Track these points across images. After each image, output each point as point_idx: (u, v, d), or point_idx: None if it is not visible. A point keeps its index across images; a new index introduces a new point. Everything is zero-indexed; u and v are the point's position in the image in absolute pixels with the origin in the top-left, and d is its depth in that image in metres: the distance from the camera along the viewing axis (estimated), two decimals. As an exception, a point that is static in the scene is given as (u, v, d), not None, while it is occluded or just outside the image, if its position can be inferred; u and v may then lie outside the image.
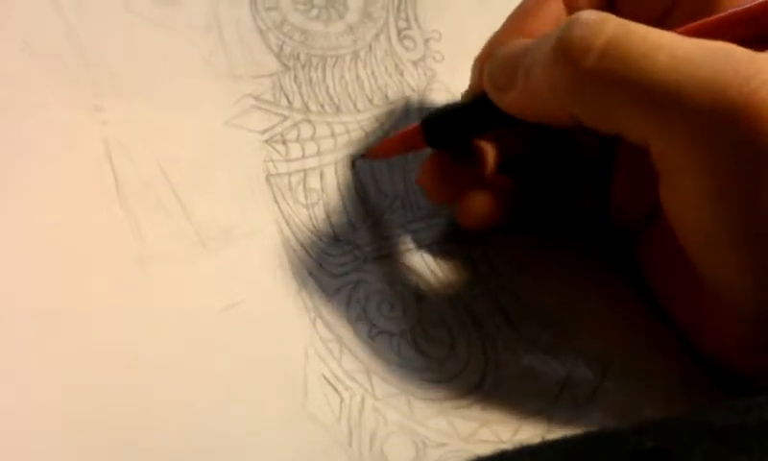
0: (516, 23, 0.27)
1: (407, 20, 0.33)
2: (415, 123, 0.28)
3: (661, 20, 0.26)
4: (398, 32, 0.33)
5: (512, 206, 0.28)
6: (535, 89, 0.24)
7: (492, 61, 0.25)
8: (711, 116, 0.21)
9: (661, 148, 0.22)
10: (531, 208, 0.29)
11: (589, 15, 0.23)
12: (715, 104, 0.21)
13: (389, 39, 0.32)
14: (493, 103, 0.25)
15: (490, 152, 0.28)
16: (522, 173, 0.29)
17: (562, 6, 0.27)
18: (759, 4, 0.22)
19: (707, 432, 0.17)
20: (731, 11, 0.23)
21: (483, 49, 0.29)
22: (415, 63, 0.32)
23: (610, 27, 0.22)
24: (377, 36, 0.32)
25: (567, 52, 0.22)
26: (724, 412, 0.18)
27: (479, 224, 0.28)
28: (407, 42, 0.33)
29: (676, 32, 0.22)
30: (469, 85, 0.29)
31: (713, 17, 0.23)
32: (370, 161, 0.30)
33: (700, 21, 0.23)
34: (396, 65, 0.32)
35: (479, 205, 0.28)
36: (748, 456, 0.16)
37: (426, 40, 0.33)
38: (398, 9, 0.33)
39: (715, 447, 0.16)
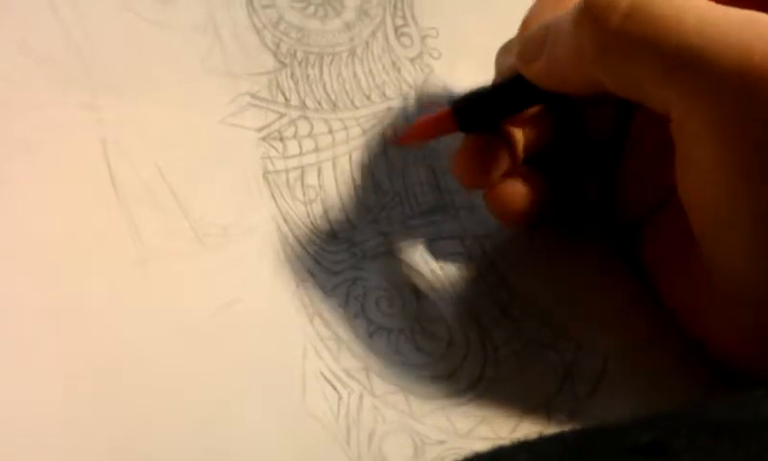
0: (546, 4, 0.27)
1: (404, 17, 0.33)
2: (444, 108, 0.28)
3: None
4: (395, 29, 0.33)
5: (544, 200, 0.28)
6: (560, 55, 0.24)
7: (524, 37, 0.26)
8: (736, 80, 0.21)
9: (682, 114, 0.22)
10: (559, 204, 0.29)
11: None
12: (740, 68, 0.21)
13: (386, 37, 0.32)
14: (521, 74, 0.26)
15: (519, 139, 0.28)
16: (547, 168, 0.29)
17: None
18: None
19: (703, 427, 0.17)
20: None
21: (510, 40, 0.29)
22: (412, 60, 0.32)
23: None
24: (374, 33, 0.32)
25: (592, 12, 0.23)
26: (721, 407, 0.18)
27: (513, 215, 0.28)
28: (404, 39, 0.32)
29: None
30: (496, 70, 0.29)
31: None
32: (368, 158, 0.30)
33: None
34: (394, 62, 0.32)
35: (516, 194, 0.27)
36: (745, 450, 0.16)
37: (423, 37, 0.33)
38: (395, 6, 0.33)
39: (712, 441, 0.16)
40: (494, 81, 0.29)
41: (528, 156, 0.28)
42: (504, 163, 0.28)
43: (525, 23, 0.28)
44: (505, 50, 0.29)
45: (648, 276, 0.28)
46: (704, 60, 0.21)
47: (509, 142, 0.28)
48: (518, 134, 0.28)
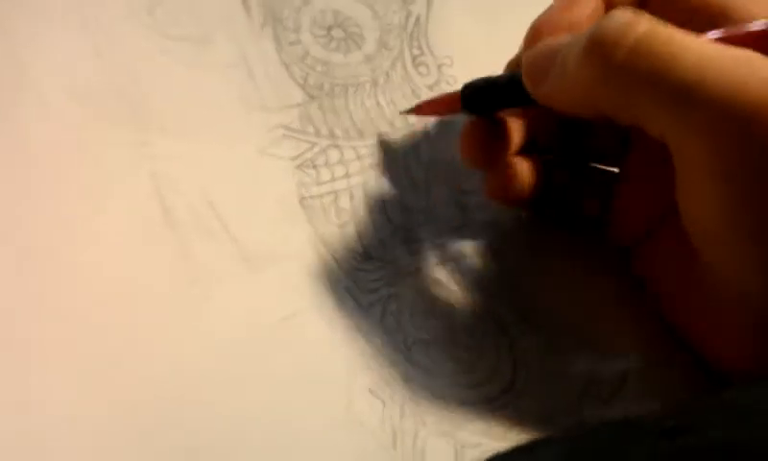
0: (555, 13, 0.29)
1: (420, 48, 0.35)
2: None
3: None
4: (413, 59, 0.34)
5: (542, 183, 0.30)
6: (566, 81, 0.25)
7: (531, 54, 0.27)
8: (730, 113, 0.22)
9: (680, 142, 0.24)
10: (552, 194, 0.31)
11: (624, 13, 0.24)
12: (734, 102, 0.22)
13: (404, 67, 0.34)
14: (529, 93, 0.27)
15: (517, 130, 0.30)
16: (545, 157, 0.31)
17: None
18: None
19: (724, 408, 0.18)
20: (755, 29, 0.25)
21: (526, 35, 0.30)
22: (430, 88, 0.34)
23: (642, 25, 0.24)
24: (394, 63, 0.34)
25: (600, 46, 0.24)
26: (738, 393, 0.20)
27: (517, 192, 0.30)
28: (421, 69, 0.34)
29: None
30: (508, 63, 0.31)
31: (739, 32, 0.25)
32: (394, 181, 0.31)
33: (726, 34, 0.25)
34: (413, 90, 0.34)
35: (515, 175, 0.30)
36: (764, 430, 0.17)
37: (439, 66, 0.35)
38: (411, 37, 0.35)
39: (734, 419, 0.17)
40: (508, 65, 0.31)
41: (528, 145, 0.30)
42: (506, 148, 0.30)
43: (532, 30, 0.29)
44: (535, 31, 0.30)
45: (647, 290, 0.30)
46: (700, 93, 0.23)
47: (512, 129, 0.30)
48: (517, 126, 0.30)
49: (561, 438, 0.21)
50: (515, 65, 0.30)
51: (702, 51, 0.23)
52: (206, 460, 0.25)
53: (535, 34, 0.28)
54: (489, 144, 0.30)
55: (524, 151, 0.31)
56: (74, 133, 0.28)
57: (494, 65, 0.32)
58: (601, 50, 0.24)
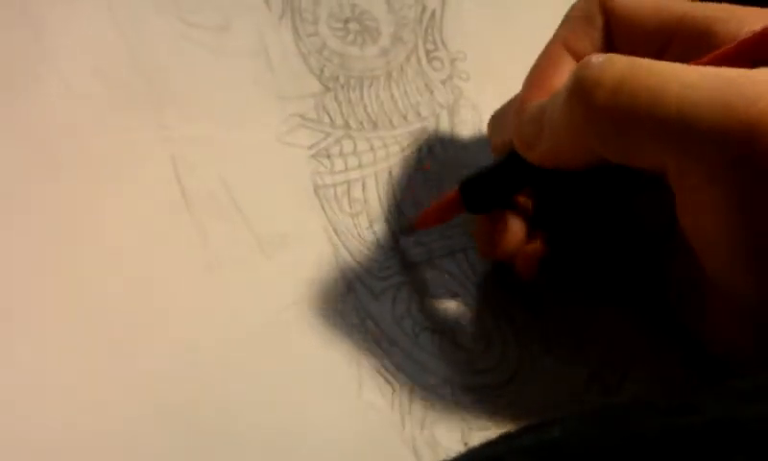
0: (533, 83, 0.29)
1: (434, 43, 0.36)
2: (451, 191, 0.30)
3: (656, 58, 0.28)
4: (427, 53, 0.35)
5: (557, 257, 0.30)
6: (555, 133, 0.26)
7: (520, 123, 0.27)
8: (722, 138, 0.22)
9: (677, 170, 0.24)
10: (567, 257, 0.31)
11: (597, 56, 0.24)
12: (725, 128, 0.22)
13: (419, 61, 0.35)
14: (525, 160, 0.27)
15: (519, 222, 0.30)
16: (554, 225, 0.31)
17: (572, 61, 0.29)
18: (757, 34, 0.24)
19: (729, 391, 0.18)
20: (738, 42, 0.24)
21: (501, 110, 0.31)
22: (443, 82, 0.35)
23: (618, 65, 0.24)
24: (408, 58, 0.35)
25: (579, 91, 0.24)
26: (743, 381, 0.20)
27: (533, 274, 0.30)
28: (435, 63, 0.35)
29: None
30: (492, 144, 0.31)
31: (723, 50, 0.25)
32: (406, 172, 0.32)
33: (709, 56, 0.25)
34: (427, 84, 0.34)
35: (532, 255, 0.29)
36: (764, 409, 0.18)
37: (453, 61, 0.35)
38: (426, 32, 0.36)
39: (738, 399, 0.18)
40: (492, 153, 0.31)
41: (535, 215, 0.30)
42: (518, 233, 0.29)
43: (512, 106, 0.29)
44: (497, 120, 0.31)
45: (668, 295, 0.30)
46: (690, 125, 0.22)
47: (521, 212, 0.30)
48: (528, 204, 0.30)
49: (570, 416, 0.21)
50: (503, 148, 0.29)
51: (684, 78, 0.23)
52: (220, 444, 0.25)
53: (514, 111, 0.28)
54: (501, 237, 0.29)
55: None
56: (95, 114, 0.29)
57: (506, 59, 0.32)
58: (581, 94, 0.24)
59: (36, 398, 0.24)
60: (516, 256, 0.30)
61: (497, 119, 0.31)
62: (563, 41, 0.29)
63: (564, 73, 0.28)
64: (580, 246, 0.31)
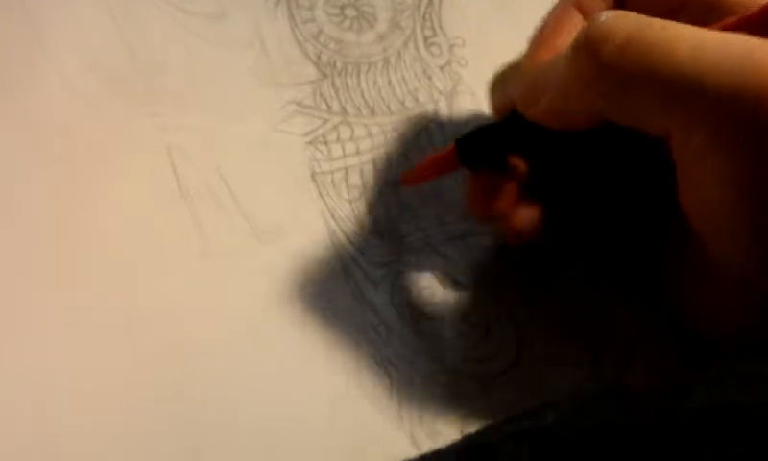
0: (540, 41, 0.28)
1: (432, 28, 0.35)
2: (447, 146, 0.29)
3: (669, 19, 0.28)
4: (425, 39, 0.35)
5: (547, 224, 0.29)
6: (561, 91, 0.25)
7: (524, 79, 0.27)
8: (730, 101, 0.22)
9: (683, 137, 0.23)
10: (562, 229, 0.30)
11: (608, 13, 0.24)
12: (735, 91, 0.22)
13: (416, 47, 0.35)
14: (524, 117, 0.27)
15: (523, 171, 0.29)
16: (548, 193, 0.30)
17: (581, 21, 0.28)
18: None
19: (731, 374, 0.18)
20: (749, 13, 0.24)
21: (503, 69, 0.30)
22: (441, 68, 0.34)
23: (628, 21, 0.23)
24: (406, 43, 0.34)
25: (587, 46, 0.23)
26: (742, 365, 0.20)
27: (523, 238, 0.29)
28: (433, 49, 0.35)
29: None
30: (493, 104, 0.30)
31: (733, 19, 0.24)
32: (404, 159, 0.32)
33: (720, 23, 0.24)
34: (424, 70, 0.34)
35: (527, 218, 0.29)
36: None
37: (451, 47, 0.35)
38: (424, 18, 0.35)
39: (739, 383, 0.17)
40: (491, 114, 0.30)
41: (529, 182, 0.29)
42: (511, 195, 0.29)
43: (527, 58, 0.28)
44: (499, 79, 0.30)
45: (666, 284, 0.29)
46: (700, 86, 0.22)
47: (513, 175, 0.29)
48: (522, 166, 0.29)
49: (565, 401, 0.21)
50: (504, 109, 0.29)
51: (694, 39, 0.23)
52: (218, 433, 0.25)
53: (518, 70, 0.28)
54: (492, 195, 0.29)
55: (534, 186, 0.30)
56: (92, 104, 0.29)
57: (506, 47, 0.32)
58: (590, 49, 0.23)
59: (31, 389, 0.24)
60: (504, 218, 0.29)
61: (499, 78, 0.30)
62: (572, 0, 0.29)
63: (571, 33, 0.27)
64: (573, 217, 0.31)
